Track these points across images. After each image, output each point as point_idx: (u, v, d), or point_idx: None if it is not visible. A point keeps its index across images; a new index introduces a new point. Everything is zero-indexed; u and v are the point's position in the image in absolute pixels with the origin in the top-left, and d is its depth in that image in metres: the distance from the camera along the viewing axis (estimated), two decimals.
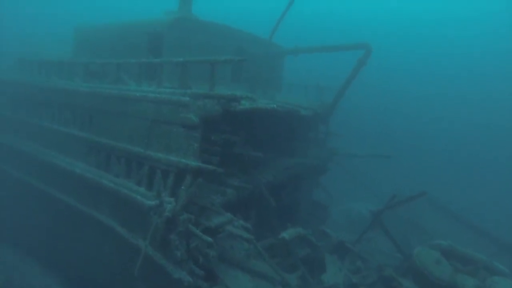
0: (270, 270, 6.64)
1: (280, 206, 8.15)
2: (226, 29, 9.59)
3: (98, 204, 7.14)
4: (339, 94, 9.82)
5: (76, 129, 7.94)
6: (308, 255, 8.03)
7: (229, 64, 8.84)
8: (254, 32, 10.86)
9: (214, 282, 5.94)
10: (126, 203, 6.34)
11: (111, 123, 7.13)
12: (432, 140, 32.26)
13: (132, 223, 6.43)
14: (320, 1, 48.65)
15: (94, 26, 10.74)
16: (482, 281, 6.76)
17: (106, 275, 7.48)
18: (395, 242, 8.58)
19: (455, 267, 6.97)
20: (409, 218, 13.24)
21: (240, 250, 6.97)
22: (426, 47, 44.45)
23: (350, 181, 16.77)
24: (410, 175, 22.54)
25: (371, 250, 10.08)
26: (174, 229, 5.57)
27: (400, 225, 12.40)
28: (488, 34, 43.31)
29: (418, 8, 49.27)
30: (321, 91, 12.63)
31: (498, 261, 7.70)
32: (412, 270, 7.01)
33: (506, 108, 35.03)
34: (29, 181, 8.82)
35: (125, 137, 6.79)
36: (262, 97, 8.33)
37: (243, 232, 6.13)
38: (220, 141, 5.99)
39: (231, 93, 5.66)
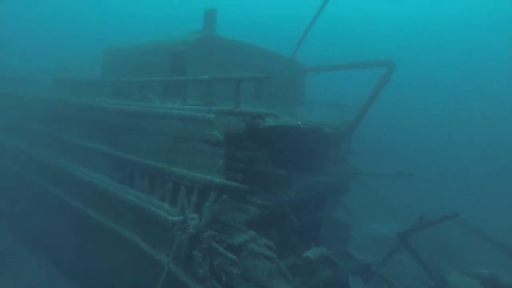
0: None
1: (301, 225, 7.99)
2: (248, 47, 9.73)
3: (121, 219, 7.19)
4: (362, 111, 9.72)
5: (102, 145, 8.12)
6: (330, 277, 7.78)
7: (256, 81, 8.95)
8: (276, 50, 10.97)
9: None
10: (149, 219, 6.37)
11: (136, 140, 7.25)
12: (454, 159, 31.36)
13: (155, 238, 6.43)
14: (341, 19, 49.07)
15: (121, 47, 11.13)
16: None
17: None
18: (425, 266, 8.18)
19: None
20: (437, 240, 12.70)
21: (262, 269, 6.82)
22: (447, 63, 43.91)
23: (371, 200, 16.39)
24: (433, 195, 21.86)
25: (398, 274, 9.68)
26: (197, 246, 5.52)
27: (427, 247, 11.89)
28: None
29: (442, 26, 48.96)
30: (342, 109, 12.54)
31: None
32: None
33: None
34: (57, 193, 9.03)
35: (149, 153, 6.89)
36: (284, 115, 8.34)
37: (266, 250, 6.01)
38: (244, 158, 5.97)
39: (256, 110, 5.68)
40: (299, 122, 6.62)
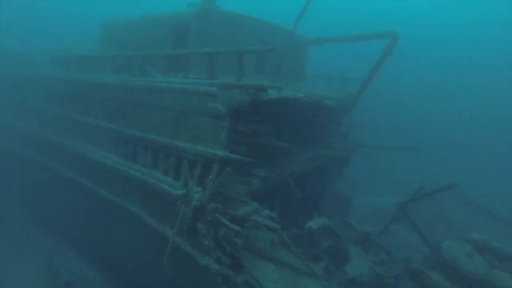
0: (295, 260, 6.66)
1: (303, 197, 8.15)
2: (250, 20, 9.56)
3: (126, 194, 7.33)
4: (363, 84, 9.66)
5: (104, 121, 8.14)
6: (331, 246, 8.02)
7: (255, 54, 8.84)
8: (278, 23, 10.78)
9: (239, 271, 6.02)
10: (153, 193, 6.49)
11: (138, 115, 7.27)
12: (456, 133, 31.38)
13: (160, 212, 6.58)
14: None
15: (119, 21, 10.92)
16: None
17: (135, 262, 7.72)
18: (421, 235, 8.41)
19: (490, 263, 6.72)
20: (433, 211, 12.93)
21: (265, 240, 7.01)
22: (452, 37, 43.10)
23: (372, 173, 16.53)
24: (432, 168, 22.05)
25: (395, 243, 9.94)
26: (201, 218, 5.66)
27: (424, 217, 12.14)
28: None
29: None
30: (344, 82, 12.46)
31: None
32: (441, 263, 6.79)
33: None
34: (62, 171, 9.14)
35: (152, 128, 6.92)
36: (286, 88, 8.32)
37: (269, 221, 6.17)
38: (248, 131, 6.02)
39: (259, 83, 5.67)
40: (302, 95, 6.62)
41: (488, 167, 25.10)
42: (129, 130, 7.35)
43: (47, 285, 8.47)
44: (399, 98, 34.31)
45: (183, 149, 6.15)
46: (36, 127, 10.40)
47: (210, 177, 5.72)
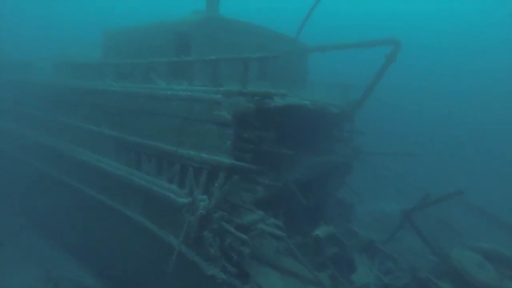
0: (300, 268, 6.58)
1: (307, 205, 8.08)
2: (252, 27, 9.58)
3: (129, 202, 7.25)
4: (367, 91, 9.64)
5: (107, 128, 8.10)
6: (336, 254, 7.93)
7: (257, 61, 8.83)
8: (280, 31, 10.81)
9: (245, 280, 5.94)
10: (158, 201, 6.41)
11: (142, 122, 7.23)
12: (458, 138, 31.39)
13: (164, 220, 6.50)
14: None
15: (121, 29, 10.93)
16: None
17: (137, 270, 7.62)
18: (428, 243, 8.32)
19: (501, 272, 6.62)
20: (438, 218, 12.87)
21: (270, 248, 6.94)
22: (455, 43, 43.45)
23: (374, 179, 16.50)
24: (435, 173, 21.99)
25: (400, 250, 9.85)
26: (207, 227, 5.59)
27: (428, 224, 12.07)
28: None
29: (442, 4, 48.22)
30: (346, 88, 12.46)
31: None
32: (450, 273, 6.70)
33: None
34: (63, 178, 9.07)
35: (155, 136, 6.88)
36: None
37: (275, 230, 6.10)
38: (254, 139, 5.98)
39: (264, 90, 5.64)
40: (308, 102, 6.60)
41: (490, 172, 25.04)
42: (133, 137, 7.30)
43: None
44: (400, 103, 34.40)
45: (188, 156, 6.10)
46: (37, 134, 10.34)
47: (216, 185, 5.66)
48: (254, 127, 6.10)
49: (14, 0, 40.77)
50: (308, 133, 8.94)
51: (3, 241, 10.46)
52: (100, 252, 8.71)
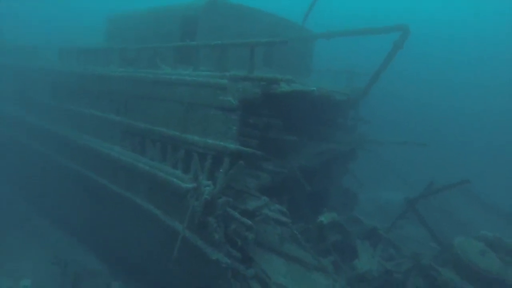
0: (304, 255, 6.64)
1: (310, 192, 8.10)
2: (258, 13, 9.46)
3: (134, 187, 7.29)
4: (372, 79, 9.54)
5: (112, 114, 8.10)
6: (339, 241, 7.98)
7: (263, 47, 8.74)
8: (286, 17, 10.68)
9: (249, 264, 6.00)
10: (162, 186, 6.45)
11: (146, 108, 7.22)
12: (462, 129, 31.21)
13: (169, 205, 6.54)
14: None
15: (125, 14, 10.84)
16: None
17: (143, 255, 7.71)
18: (431, 231, 8.33)
19: (503, 260, 6.63)
20: (440, 207, 12.90)
21: (274, 234, 6.99)
22: (462, 33, 42.83)
23: (378, 168, 16.51)
24: (438, 164, 21.96)
25: (402, 238, 9.92)
26: (212, 212, 5.62)
27: (430, 213, 12.11)
28: None
29: None
30: (351, 76, 12.35)
31: None
32: (453, 260, 6.71)
33: None
34: (69, 164, 9.12)
35: (160, 121, 6.87)
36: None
37: (280, 216, 6.13)
38: (260, 124, 5.95)
39: (271, 75, 5.60)
40: (314, 88, 6.54)
41: (494, 162, 24.97)
42: (137, 123, 7.30)
43: (56, 277, 8.49)
44: (404, 93, 34.13)
45: (193, 142, 6.10)
46: (43, 120, 10.37)
47: (221, 170, 5.66)
48: (260, 113, 6.07)
49: None
50: (313, 120, 8.89)
51: (11, 225, 10.64)
52: (106, 237, 8.81)
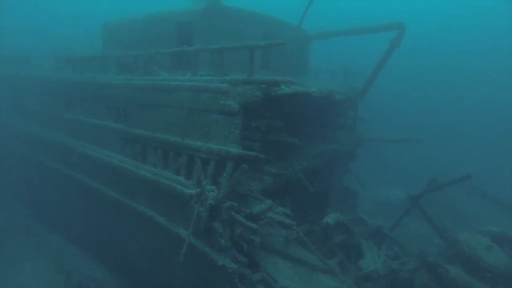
0: (309, 257, 6.60)
1: (313, 193, 8.09)
2: (254, 15, 9.46)
3: (137, 194, 7.24)
4: (370, 78, 9.58)
5: (110, 121, 8.05)
6: (343, 241, 7.97)
7: (260, 50, 8.72)
8: (282, 18, 10.69)
9: (255, 269, 5.96)
10: (165, 193, 6.40)
11: (147, 114, 7.18)
12: (463, 123, 31.31)
13: (172, 212, 6.49)
14: None
15: (121, 21, 10.80)
16: None
17: (147, 262, 7.65)
18: (436, 227, 8.32)
19: (511, 254, 6.62)
20: (443, 203, 12.90)
21: (278, 237, 6.95)
22: (457, 26, 43.02)
23: (375, 165, 16.50)
24: (438, 159, 22.02)
25: (406, 235, 9.91)
26: (217, 217, 5.58)
27: (433, 208, 12.10)
28: None
29: None
30: (348, 75, 12.37)
31: None
32: (459, 256, 6.67)
33: None
34: (70, 173, 9.06)
35: (161, 127, 6.84)
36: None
37: (284, 218, 6.09)
38: (262, 127, 5.93)
39: (271, 78, 5.58)
40: (314, 89, 6.53)
41: (496, 155, 25.05)
42: (138, 130, 7.27)
43: (59, 286, 8.43)
44: (403, 90, 34.23)
45: (195, 147, 6.06)
46: (43, 129, 10.31)
47: (224, 175, 5.64)
48: (262, 116, 6.05)
49: None
50: (312, 121, 8.89)
51: (13, 233, 10.56)
52: (110, 245, 8.74)
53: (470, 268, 6.38)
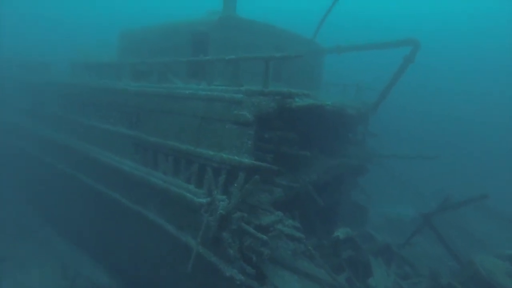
0: (317, 271, 6.49)
1: (321, 207, 8.00)
2: (269, 27, 9.54)
3: (146, 201, 7.24)
4: (383, 93, 9.55)
5: (124, 127, 8.12)
6: (352, 257, 7.83)
7: (276, 62, 8.77)
8: (295, 31, 10.76)
9: (262, 281, 5.87)
10: (175, 201, 6.39)
11: (159, 122, 7.22)
12: (474, 142, 30.90)
13: (181, 220, 6.47)
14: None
15: (137, 30, 10.98)
16: None
17: (153, 270, 7.60)
18: (448, 248, 8.11)
19: None
20: (454, 222, 12.64)
21: (286, 250, 6.86)
22: (471, 43, 42.92)
23: (388, 182, 16.33)
24: (448, 177, 21.69)
25: (417, 254, 9.68)
26: (227, 227, 5.54)
27: (444, 228, 11.86)
28: None
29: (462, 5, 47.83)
30: (360, 90, 12.35)
31: None
32: (475, 280, 6.43)
33: None
34: (80, 177, 9.12)
35: (173, 135, 6.86)
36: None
37: (294, 231, 6.02)
38: (275, 139, 5.92)
39: (286, 89, 5.59)
40: (329, 102, 6.52)
41: (507, 175, 24.58)
42: (150, 137, 7.30)
43: None
44: (411, 105, 34.02)
45: (207, 156, 6.06)
46: (55, 133, 10.43)
47: (235, 185, 5.61)
48: (275, 127, 6.04)
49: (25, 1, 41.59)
50: (323, 134, 8.85)
51: (19, 237, 10.60)
52: (116, 251, 8.72)
53: None
